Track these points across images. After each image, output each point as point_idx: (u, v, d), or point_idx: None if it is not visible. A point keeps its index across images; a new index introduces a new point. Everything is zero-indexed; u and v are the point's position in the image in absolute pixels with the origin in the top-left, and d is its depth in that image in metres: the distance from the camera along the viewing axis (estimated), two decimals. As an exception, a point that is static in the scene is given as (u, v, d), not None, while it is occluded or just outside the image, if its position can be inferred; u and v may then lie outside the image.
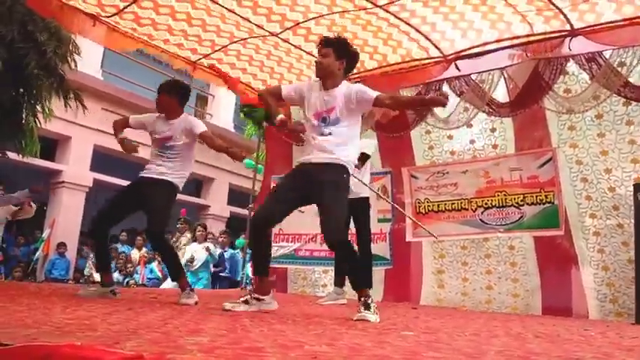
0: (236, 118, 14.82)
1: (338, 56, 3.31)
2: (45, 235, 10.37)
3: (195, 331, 1.79)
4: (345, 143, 3.25)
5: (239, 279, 7.88)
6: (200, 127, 4.01)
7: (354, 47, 3.52)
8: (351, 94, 3.24)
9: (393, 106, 3.53)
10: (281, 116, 3.37)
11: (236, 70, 6.73)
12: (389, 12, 5.20)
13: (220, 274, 8.73)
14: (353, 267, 3.25)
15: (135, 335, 1.55)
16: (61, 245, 10.28)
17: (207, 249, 8.11)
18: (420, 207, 6.37)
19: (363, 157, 4.78)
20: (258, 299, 3.17)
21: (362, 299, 3.04)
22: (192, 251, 8.07)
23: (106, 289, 3.88)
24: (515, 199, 5.69)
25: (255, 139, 8.12)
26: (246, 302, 3.14)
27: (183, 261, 8.07)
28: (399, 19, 5.29)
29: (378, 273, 6.23)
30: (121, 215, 3.99)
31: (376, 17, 5.28)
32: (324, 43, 3.38)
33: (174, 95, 4.03)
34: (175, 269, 3.97)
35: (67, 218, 11.00)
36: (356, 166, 4.70)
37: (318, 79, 3.40)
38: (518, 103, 5.57)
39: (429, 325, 2.80)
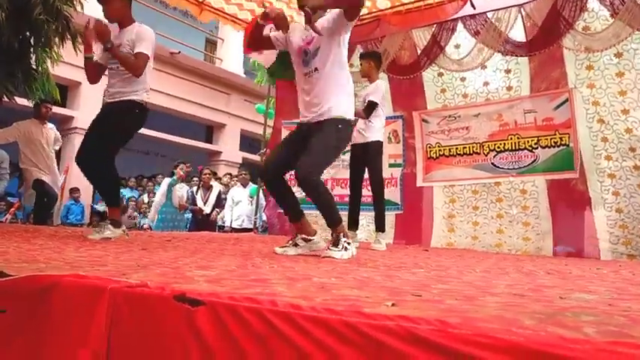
0: (246, 64, 14.59)
1: None
2: (60, 181, 10.47)
3: (206, 267, 1.79)
4: (336, 84, 3.03)
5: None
6: (141, 46, 3.57)
7: None
8: (326, 19, 3.03)
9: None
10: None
11: (244, 11, 6.59)
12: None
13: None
14: (322, 206, 3.06)
15: (144, 270, 1.55)
16: (75, 190, 10.39)
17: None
18: (430, 151, 6.32)
19: (370, 106, 4.70)
20: (306, 240, 3.12)
21: (333, 235, 2.98)
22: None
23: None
24: (528, 142, 5.61)
25: (266, 85, 8.00)
26: (295, 245, 3.11)
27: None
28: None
29: (389, 217, 6.25)
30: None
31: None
32: None
33: None
34: (108, 195, 3.76)
35: (80, 164, 11.06)
36: (362, 117, 4.65)
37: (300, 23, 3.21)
38: (536, 42, 5.40)
39: (440, 264, 2.80)
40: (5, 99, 5.62)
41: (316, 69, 3.04)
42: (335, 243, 2.95)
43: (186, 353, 0.96)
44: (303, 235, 3.14)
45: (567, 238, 5.30)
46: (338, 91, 3.04)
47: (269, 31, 3.33)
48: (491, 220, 5.83)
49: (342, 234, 2.97)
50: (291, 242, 3.15)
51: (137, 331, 1.05)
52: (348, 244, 2.96)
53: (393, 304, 0.96)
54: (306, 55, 3.08)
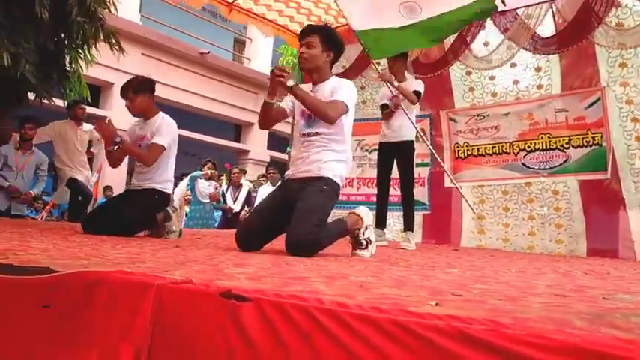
0: (274, 63, 14.65)
1: (325, 47, 2.99)
2: (93, 180, 10.67)
3: (241, 264, 1.81)
4: (332, 149, 2.95)
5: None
6: (158, 138, 3.81)
7: (340, 36, 3.19)
8: (335, 88, 2.95)
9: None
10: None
11: (272, 11, 6.61)
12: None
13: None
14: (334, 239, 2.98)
15: (183, 266, 1.58)
16: (108, 189, 10.57)
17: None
18: (459, 151, 6.25)
19: (418, 94, 4.73)
20: None
21: (350, 238, 2.98)
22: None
23: None
24: (560, 141, 5.51)
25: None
26: None
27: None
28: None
29: (417, 218, 6.20)
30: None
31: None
32: (309, 30, 3.05)
33: (147, 92, 3.90)
34: (141, 223, 3.91)
35: (113, 164, 11.26)
36: (412, 99, 4.64)
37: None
38: (566, 38, 5.29)
39: (473, 264, 2.78)
40: (44, 100, 5.75)
41: (317, 133, 2.95)
42: (357, 243, 2.97)
43: (230, 349, 0.98)
44: None
45: (601, 239, 5.19)
46: (334, 154, 2.96)
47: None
48: (522, 221, 5.73)
49: (356, 231, 2.96)
50: None
51: (181, 327, 1.06)
52: (367, 239, 2.97)
53: (436, 304, 0.96)
54: (310, 118, 2.99)
